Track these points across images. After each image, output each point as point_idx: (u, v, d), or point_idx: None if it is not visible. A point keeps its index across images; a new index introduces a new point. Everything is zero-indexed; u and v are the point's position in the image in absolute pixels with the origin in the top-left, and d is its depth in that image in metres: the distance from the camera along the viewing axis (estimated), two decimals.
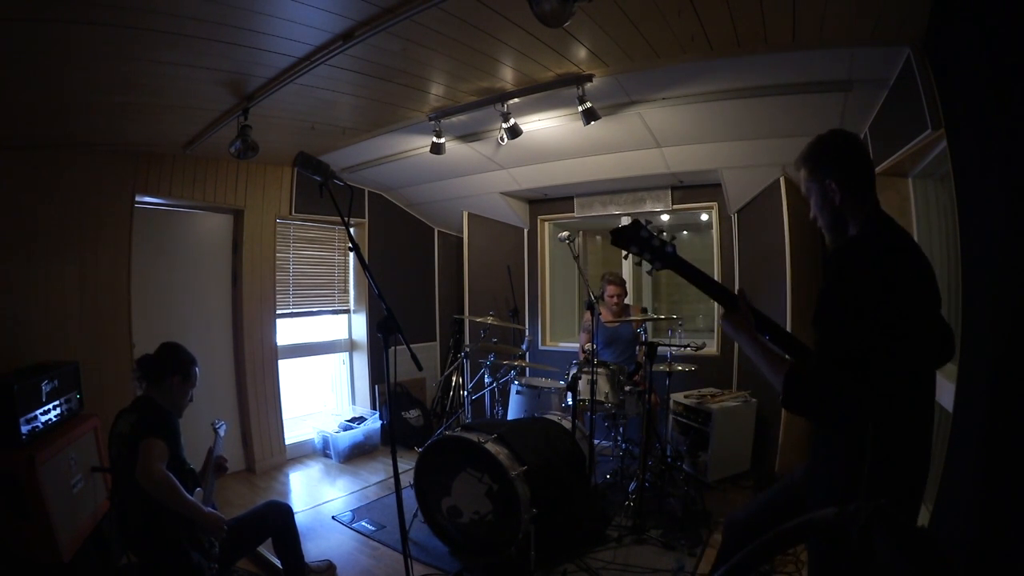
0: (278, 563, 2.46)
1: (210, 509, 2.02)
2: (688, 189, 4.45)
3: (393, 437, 2.81)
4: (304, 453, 4.62)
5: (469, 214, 5.17)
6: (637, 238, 1.54)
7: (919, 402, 1.27)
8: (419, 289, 5.55)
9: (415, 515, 2.96)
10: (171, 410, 2.14)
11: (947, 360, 1.46)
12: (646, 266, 1.57)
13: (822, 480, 1.36)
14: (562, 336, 5.48)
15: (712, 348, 4.37)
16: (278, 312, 4.44)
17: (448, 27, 2.06)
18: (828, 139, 1.42)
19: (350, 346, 5.16)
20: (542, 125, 3.30)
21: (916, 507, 1.29)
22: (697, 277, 1.54)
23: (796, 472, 1.63)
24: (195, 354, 2.25)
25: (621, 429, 3.71)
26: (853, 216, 1.38)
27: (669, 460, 3.50)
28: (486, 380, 4.23)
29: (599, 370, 3.34)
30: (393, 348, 1.72)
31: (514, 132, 2.98)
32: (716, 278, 4.55)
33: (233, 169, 4.05)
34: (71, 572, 2.36)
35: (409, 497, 2.86)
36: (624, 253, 1.59)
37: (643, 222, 1.56)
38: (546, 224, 5.30)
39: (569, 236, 3.28)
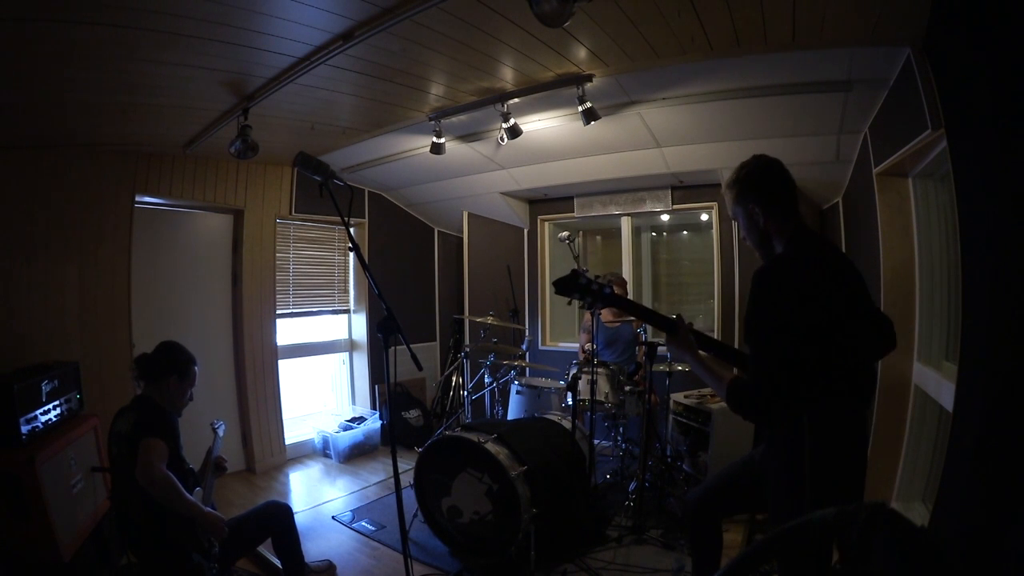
0: (278, 563, 2.46)
1: (210, 509, 2.01)
2: (688, 189, 4.45)
3: (393, 437, 2.82)
4: (304, 453, 4.62)
5: (469, 214, 5.17)
6: (577, 286, 1.72)
7: (850, 398, 1.40)
8: (419, 289, 5.55)
9: (415, 515, 2.96)
10: (170, 409, 2.14)
11: (888, 350, 1.57)
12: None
13: (774, 463, 1.49)
14: (562, 336, 5.48)
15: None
16: (278, 312, 4.44)
17: (448, 27, 2.06)
18: (751, 166, 1.55)
19: (350, 346, 5.16)
20: (542, 125, 3.30)
21: (860, 491, 1.42)
22: (636, 310, 1.77)
23: (756, 451, 1.75)
24: (195, 354, 2.25)
25: (621, 429, 3.71)
26: (778, 235, 1.51)
27: (669, 460, 3.50)
28: (486, 380, 4.23)
29: (599, 370, 3.35)
30: (393, 348, 1.72)
31: (514, 132, 2.98)
32: (716, 278, 4.59)
33: (233, 169, 4.05)
34: (71, 572, 2.36)
35: (409, 497, 2.86)
36: (568, 301, 1.84)
37: (581, 269, 1.80)
38: (546, 224, 5.30)
39: (569, 236, 3.28)
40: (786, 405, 1.37)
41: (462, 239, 5.27)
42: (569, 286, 1.75)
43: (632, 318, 3.88)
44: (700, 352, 1.62)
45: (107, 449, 2.11)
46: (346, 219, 1.72)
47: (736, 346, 4.31)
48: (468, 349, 4.43)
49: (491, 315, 4.20)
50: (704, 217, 4.78)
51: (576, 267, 1.87)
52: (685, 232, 5.51)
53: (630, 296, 4.24)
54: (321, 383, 5.16)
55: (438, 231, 5.72)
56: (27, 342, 2.98)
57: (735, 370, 1.65)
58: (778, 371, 1.35)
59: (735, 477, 1.79)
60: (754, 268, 4.34)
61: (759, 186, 1.52)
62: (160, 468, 1.88)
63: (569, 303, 1.91)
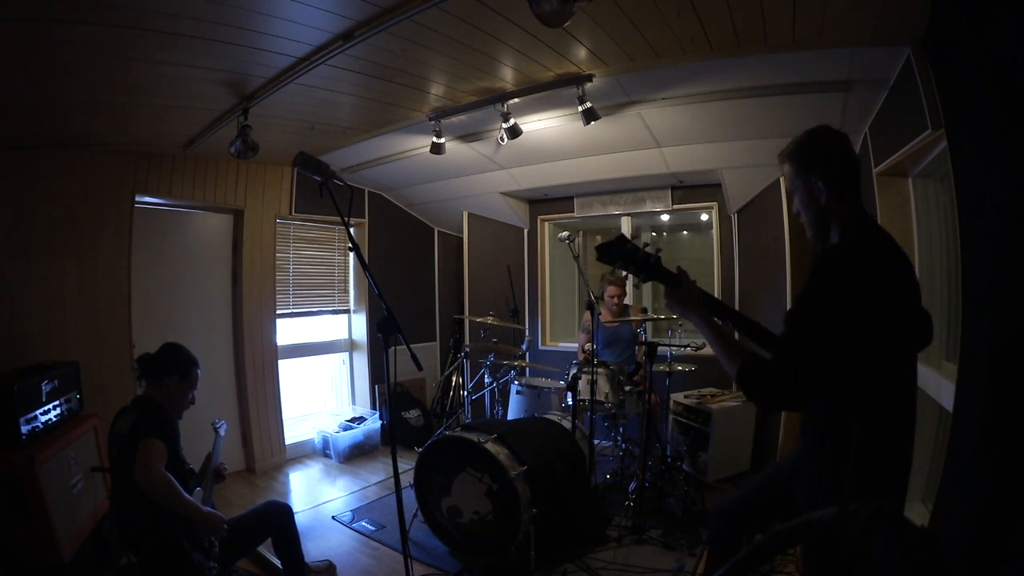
0: (278, 563, 2.46)
1: (209, 509, 2.02)
2: (688, 189, 4.45)
3: (393, 437, 2.82)
4: (304, 453, 4.62)
5: (469, 214, 5.17)
6: (622, 251, 1.50)
7: (900, 399, 1.30)
8: (419, 289, 5.55)
9: (415, 515, 2.96)
10: (171, 410, 2.14)
11: (925, 345, 1.49)
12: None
13: (809, 471, 1.38)
14: (562, 336, 5.48)
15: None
16: (278, 312, 4.44)
17: (448, 27, 2.06)
18: (817, 136, 1.40)
19: (350, 346, 5.16)
20: (542, 125, 3.30)
21: (902, 499, 1.32)
22: (653, 272, 1.51)
23: (784, 460, 1.65)
24: (195, 354, 2.25)
25: (621, 429, 3.71)
26: (836, 218, 1.37)
27: (669, 460, 3.50)
28: (486, 380, 4.23)
29: (599, 370, 3.34)
30: (393, 348, 1.72)
31: (514, 132, 2.98)
32: (716, 278, 4.58)
33: (233, 169, 4.05)
34: (71, 572, 2.36)
35: (409, 497, 2.86)
36: (611, 270, 1.57)
37: (626, 236, 1.55)
38: (546, 224, 5.30)
39: (569, 236, 3.28)
40: (801, 398, 1.26)
41: (462, 239, 5.27)
42: (613, 252, 1.49)
43: (632, 318, 3.88)
44: (710, 315, 1.42)
45: (107, 449, 2.11)
46: (346, 219, 1.72)
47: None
48: (468, 349, 4.43)
49: (491, 315, 4.20)
50: (704, 217, 4.79)
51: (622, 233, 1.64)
52: (685, 232, 5.52)
53: (628, 295, 4.24)
54: (321, 383, 5.16)
55: (438, 231, 5.72)
56: (27, 342, 2.98)
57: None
58: (811, 360, 1.21)
59: (764, 490, 1.69)
60: (753, 268, 4.33)
61: (826, 160, 1.36)
62: (158, 469, 1.88)
63: (613, 272, 1.64)
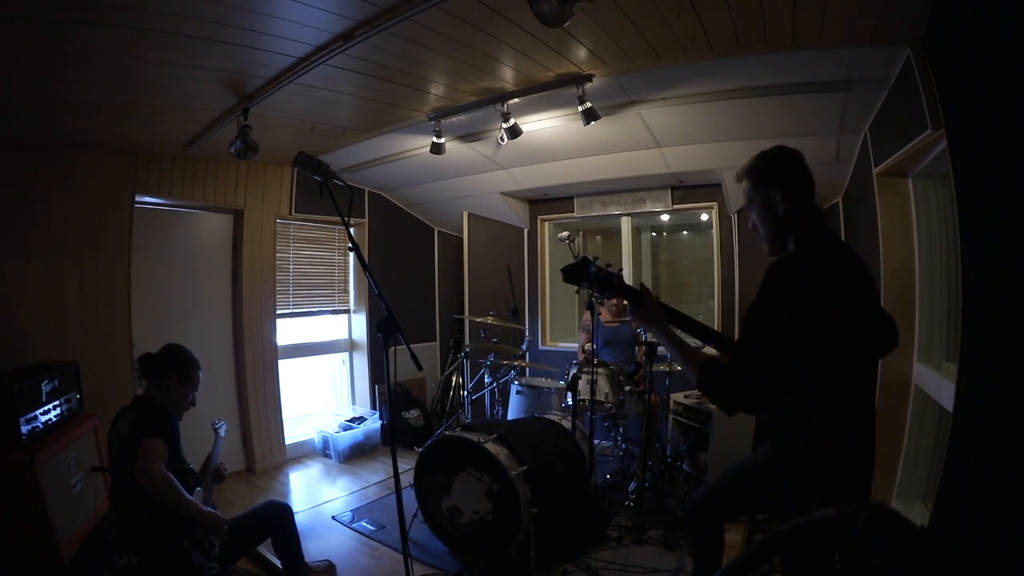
0: (278, 563, 2.46)
1: (210, 509, 2.02)
2: (688, 189, 4.45)
3: (393, 437, 2.82)
4: (304, 453, 4.62)
5: (469, 214, 5.17)
6: (587, 274, 1.60)
7: (858, 403, 1.37)
8: (419, 289, 5.55)
9: (415, 515, 2.96)
10: (171, 410, 2.14)
11: (890, 350, 1.56)
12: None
13: (777, 472, 1.44)
14: (562, 336, 5.48)
15: (712, 348, 4.37)
16: (278, 312, 4.45)
17: (448, 27, 2.06)
18: (774, 154, 1.49)
19: (350, 346, 5.16)
20: (542, 125, 3.30)
21: (866, 491, 1.40)
22: (623, 291, 1.62)
23: (758, 452, 1.73)
24: (195, 354, 2.25)
25: (621, 429, 3.71)
26: (793, 229, 1.46)
27: (669, 460, 3.50)
28: (486, 380, 4.23)
29: (599, 370, 3.34)
30: (393, 348, 1.72)
31: (514, 132, 2.98)
32: (716, 278, 4.58)
33: (233, 169, 4.05)
34: (71, 572, 2.36)
35: (409, 497, 2.85)
36: (576, 290, 1.67)
37: (590, 258, 1.65)
38: (546, 224, 5.30)
39: (569, 236, 3.28)
40: (755, 400, 1.37)
41: (462, 239, 5.27)
42: (578, 274, 1.61)
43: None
44: (670, 327, 1.55)
45: (107, 449, 2.11)
46: (346, 219, 1.72)
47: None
48: (468, 349, 4.43)
49: (491, 315, 4.20)
50: (704, 217, 4.78)
51: (585, 255, 1.76)
52: (685, 232, 5.51)
53: None
54: (321, 383, 5.16)
55: (438, 231, 5.72)
56: (27, 342, 2.98)
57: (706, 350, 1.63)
58: (764, 365, 1.32)
59: (737, 479, 1.77)
60: (753, 268, 4.33)
61: (783, 174, 1.47)
62: (159, 468, 1.88)
63: (577, 291, 1.78)
